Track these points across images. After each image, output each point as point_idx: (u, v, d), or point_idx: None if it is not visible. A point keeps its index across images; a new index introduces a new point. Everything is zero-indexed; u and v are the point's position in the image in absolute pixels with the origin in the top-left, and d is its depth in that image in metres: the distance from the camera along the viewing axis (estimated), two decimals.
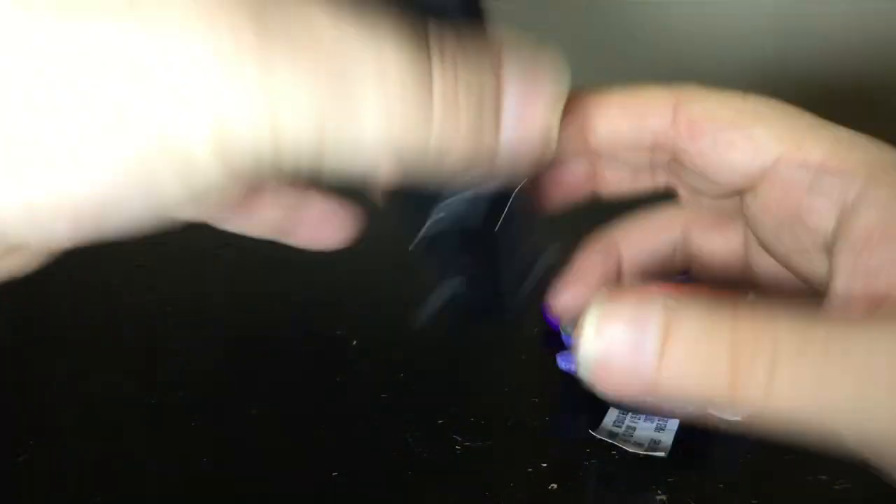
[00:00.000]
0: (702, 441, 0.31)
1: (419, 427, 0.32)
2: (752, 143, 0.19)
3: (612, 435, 0.31)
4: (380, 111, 0.15)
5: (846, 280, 0.18)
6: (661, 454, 0.30)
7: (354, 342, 0.40)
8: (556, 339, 0.37)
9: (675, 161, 0.20)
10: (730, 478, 0.29)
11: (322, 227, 0.23)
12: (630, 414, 0.32)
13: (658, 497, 0.28)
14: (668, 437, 0.31)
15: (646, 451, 0.30)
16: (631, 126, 0.20)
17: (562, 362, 0.35)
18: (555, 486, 0.29)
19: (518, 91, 0.17)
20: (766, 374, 0.15)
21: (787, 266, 0.20)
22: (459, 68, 0.15)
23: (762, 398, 0.15)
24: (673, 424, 0.31)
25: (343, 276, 0.49)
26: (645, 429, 0.31)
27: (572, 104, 0.20)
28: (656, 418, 0.32)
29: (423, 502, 0.28)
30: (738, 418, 0.16)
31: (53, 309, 0.44)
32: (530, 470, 0.29)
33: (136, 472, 0.30)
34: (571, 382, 0.34)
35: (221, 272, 0.49)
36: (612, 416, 0.32)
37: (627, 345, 0.16)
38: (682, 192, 0.22)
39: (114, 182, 0.14)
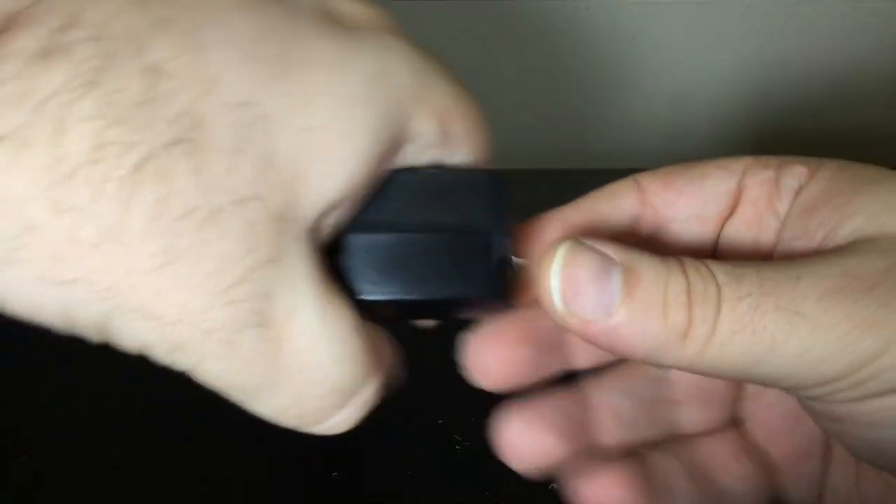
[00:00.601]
0: None
1: (419, 427, 0.32)
2: (720, 169, 0.21)
3: None
4: None
5: (788, 242, 0.20)
6: None
7: None
8: None
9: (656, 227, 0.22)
10: None
11: None
12: None
13: None
14: None
15: None
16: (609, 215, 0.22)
17: None
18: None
19: None
20: (712, 316, 0.16)
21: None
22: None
23: (706, 337, 0.16)
24: None
25: None
26: None
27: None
28: None
29: (423, 502, 0.28)
30: (679, 364, 0.17)
31: None
32: None
33: (136, 473, 0.30)
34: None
35: None
36: None
37: (593, 284, 0.17)
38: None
39: None
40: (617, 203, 0.21)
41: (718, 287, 0.16)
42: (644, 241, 0.21)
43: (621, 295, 0.16)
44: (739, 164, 0.21)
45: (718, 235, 0.21)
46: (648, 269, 0.17)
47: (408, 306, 0.19)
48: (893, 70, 0.72)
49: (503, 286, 0.19)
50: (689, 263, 0.17)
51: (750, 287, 0.16)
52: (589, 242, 0.17)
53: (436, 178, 0.19)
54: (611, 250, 0.17)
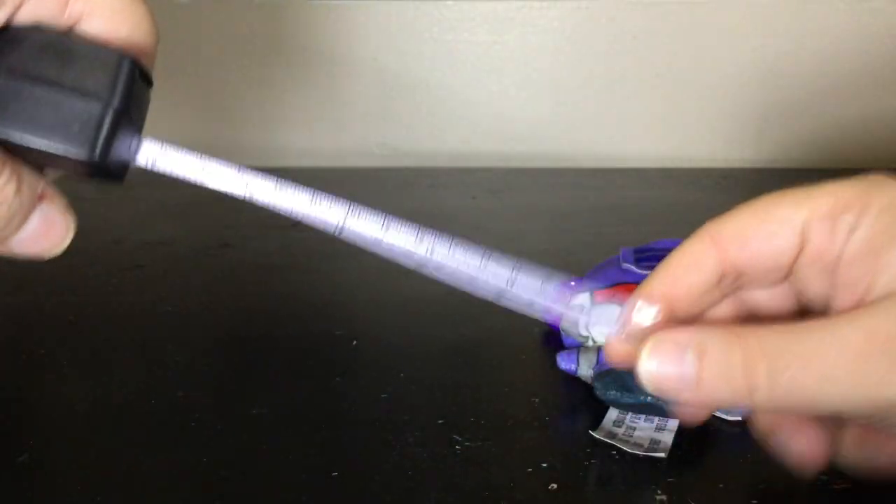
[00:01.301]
0: (702, 441, 0.31)
1: (419, 427, 0.32)
2: (781, 223, 0.23)
3: (612, 435, 0.31)
4: None
5: (838, 296, 0.23)
6: (661, 454, 0.30)
7: (354, 342, 0.40)
8: (556, 339, 0.37)
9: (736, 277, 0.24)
10: (730, 478, 0.29)
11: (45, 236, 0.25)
12: (630, 414, 0.32)
13: (658, 497, 0.28)
14: (668, 438, 0.31)
15: (645, 451, 0.30)
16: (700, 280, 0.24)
17: (562, 362, 0.35)
18: (555, 486, 0.29)
19: None
20: (767, 377, 0.21)
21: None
22: None
23: (768, 394, 0.21)
24: (673, 424, 0.31)
25: (343, 276, 0.49)
26: (644, 429, 0.31)
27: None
28: (656, 418, 0.32)
29: (423, 502, 0.28)
30: (754, 411, 0.24)
31: (54, 309, 0.44)
32: (530, 470, 0.29)
33: (136, 473, 0.30)
34: (571, 382, 0.35)
35: (221, 272, 0.49)
36: (611, 415, 0.32)
37: (673, 367, 0.22)
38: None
39: None
40: (699, 268, 0.24)
41: (769, 363, 0.21)
42: (729, 291, 0.25)
43: (693, 370, 0.22)
44: (803, 207, 0.23)
45: (791, 272, 0.24)
46: (715, 347, 0.22)
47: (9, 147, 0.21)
48: (893, 70, 0.72)
49: (101, 153, 0.22)
50: (747, 335, 0.22)
51: (790, 360, 0.21)
52: (667, 336, 0.22)
53: (62, 42, 0.21)
54: (684, 336, 0.22)
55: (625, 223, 0.58)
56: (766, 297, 0.26)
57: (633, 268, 0.36)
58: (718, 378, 0.22)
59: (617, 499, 0.28)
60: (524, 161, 0.75)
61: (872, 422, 0.22)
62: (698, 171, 0.72)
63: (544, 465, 0.30)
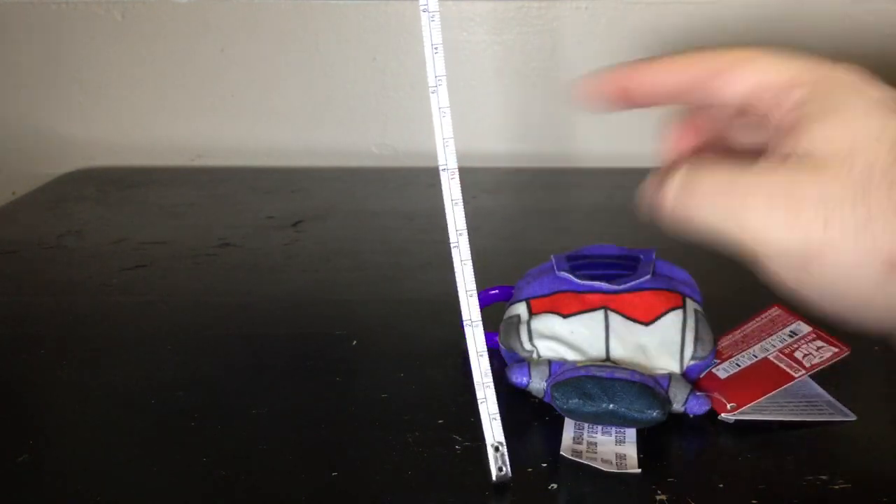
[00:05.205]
0: (702, 441, 0.31)
1: (419, 427, 0.32)
2: (741, 78, 0.28)
3: (577, 453, 0.30)
4: None
5: (775, 142, 0.27)
6: (634, 470, 0.29)
7: (354, 342, 0.40)
8: (499, 356, 0.36)
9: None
10: (730, 478, 0.29)
11: None
12: (586, 427, 0.31)
13: (658, 497, 0.28)
14: (631, 451, 0.30)
15: (617, 469, 0.29)
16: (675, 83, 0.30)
17: (513, 376, 0.33)
18: (555, 486, 0.29)
19: None
20: (677, 190, 0.27)
21: None
22: None
23: (671, 204, 0.27)
24: (631, 435, 0.31)
25: (343, 276, 0.49)
26: (605, 443, 0.30)
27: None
28: (613, 430, 0.31)
29: (423, 502, 0.28)
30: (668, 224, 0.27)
31: (54, 309, 0.44)
32: (530, 470, 0.29)
33: (136, 473, 0.30)
34: (536, 402, 0.34)
35: (221, 272, 0.49)
36: (568, 433, 0.31)
37: (668, 187, 0.27)
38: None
39: None
40: (672, 72, 0.30)
41: (683, 180, 0.27)
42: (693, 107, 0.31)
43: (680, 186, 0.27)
44: (770, 73, 0.28)
45: (742, 112, 0.29)
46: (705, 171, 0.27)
47: None
48: (893, 70, 0.72)
49: None
50: (684, 164, 0.27)
51: (701, 182, 0.27)
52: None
53: None
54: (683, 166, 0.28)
55: (625, 223, 0.58)
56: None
57: (569, 276, 0.35)
58: (653, 190, 0.28)
59: (617, 499, 0.28)
60: (524, 161, 0.75)
61: (740, 247, 0.26)
62: None
63: (544, 465, 0.30)
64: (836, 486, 0.28)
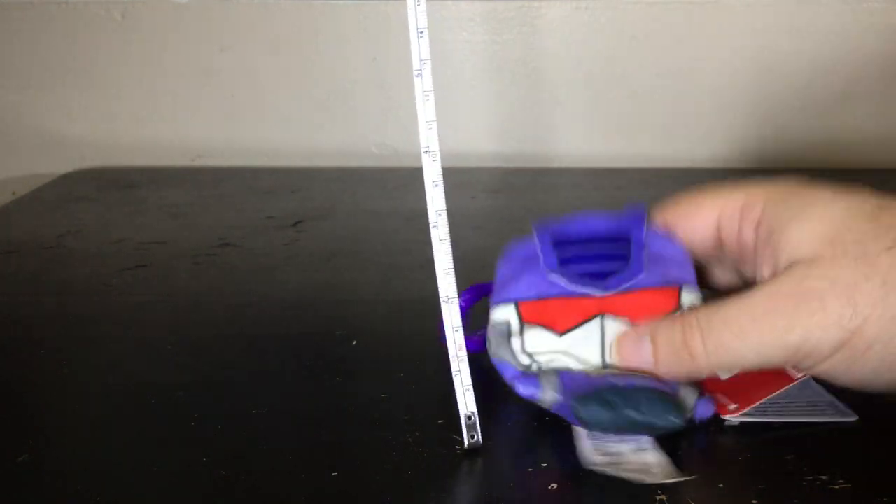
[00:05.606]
0: (701, 441, 0.31)
1: (419, 427, 0.32)
2: (700, 211, 0.32)
3: (608, 464, 0.29)
4: None
5: (762, 274, 0.30)
6: (681, 478, 0.28)
7: (354, 342, 0.40)
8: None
9: None
10: (730, 478, 0.29)
11: None
12: (601, 438, 0.30)
13: (658, 497, 0.28)
14: (653, 457, 0.30)
15: (657, 478, 0.28)
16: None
17: (521, 388, 0.32)
18: (555, 486, 0.29)
19: None
20: (702, 345, 0.28)
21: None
22: None
23: (706, 359, 0.28)
24: (646, 442, 0.30)
25: (343, 276, 0.49)
26: (625, 453, 0.30)
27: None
28: (629, 439, 0.30)
29: (423, 502, 0.28)
30: (704, 376, 0.30)
31: (54, 308, 0.44)
32: (530, 470, 0.29)
33: (136, 473, 0.30)
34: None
35: (221, 272, 0.49)
36: (586, 445, 0.30)
37: (636, 349, 0.30)
38: None
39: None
40: None
41: (702, 334, 0.28)
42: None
43: (650, 353, 0.30)
44: (717, 206, 0.32)
45: (718, 253, 0.33)
46: (662, 333, 0.29)
47: None
48: (893, 70, 0.72)
49: None
50: (686, 316, 0.29)
51: (720, 328, 0.28)
52: (629, 332, 0.31)
53: None
54: (642, 328, 0.30)
55: None
56: (720, 280, 0.34)
57: (560, 281, 0.32)
58: (669, 354, 0.29)
59: (617, 499, 0.28)
60: (524, 161, 0.75)
61: (791, 365, 0.28)
62: (698, 171, 0.72)
63: (544, 465, 0.30)
64: (836, 486, 0.28)
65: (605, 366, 0.32)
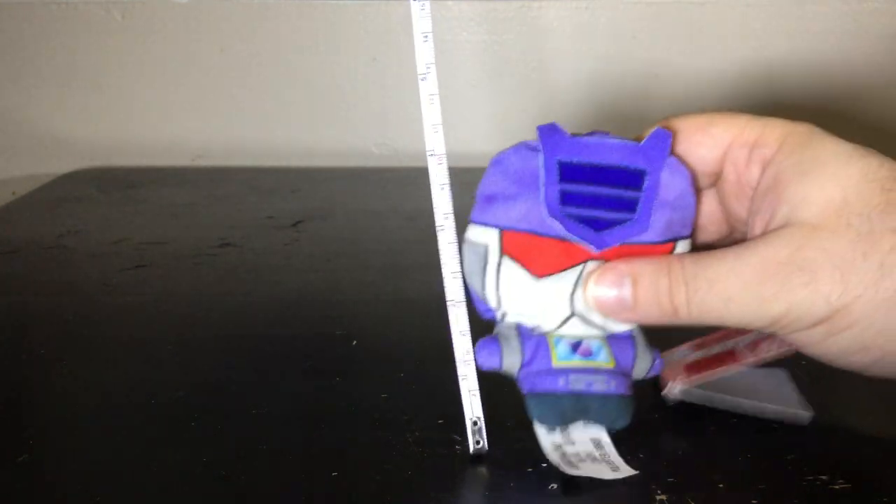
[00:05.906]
0: (701, 441, 0.31)
1: (419, 427, 0.32)
2: (712, 129, 0.29)
3: (571, 465, 0.28)
4: None
5: (753, 223, 0.28)
6: (631, 472, 0.28)
7: (354, 342, 0.40)
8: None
9: None
10: (730, 478, 0.29)
11: None
12: (559, 433, 0.30)
13: (658, 497, 0.28)
14: (610, 451, 0.29)
15: (616, 473, 0.28)
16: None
17: (480, 358, 0.30)
18: (555, 486, 0.29)
19: None
20: (686, 301, 0.27)
21: (745, 222, 0.30)
22: None
23: (687, 315, 0.27)
24: (603, 437, 0.30)
25: (343, 275, 0.49)
26: (585, 456, 0.29)
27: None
28: (589, 441, 0.30)
29: (423, 502, 0.28)
30: (678, 324, 0.27)
31: (53, 308, 0.44)
32: (530, 470, 0.29)
33: (136, 473, 0.30)
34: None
35: (221, 272, 0.49)
36: (546, 444, 0.29)
37: (614, 289, 0.28)
38: None
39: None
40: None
41: (687, 290, 0.27)
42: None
43: (630, 295, 0.28)
44: (731, 131, 0.29)
45: (715, 179, 0.30)
46: (647, 277, 0.27)
47: None
48: (893, 70, 0.72)
49: None
50: (673, 263, 0.27)
51: (701, 284, 0.26)
52: (610, 266, 0.28)
53: None
54: (624, 266, 0.28)
55: None
56: (705, 222, 0.31)
57: (556, 226, 0.28)
58: (650, 300, 0.27)
59: (617, 499, 0.28)
60: None
61: (769, 332, 0.27)
62: None
63: (544, 465, 0.30)
64: (836, 486, 0.28)
65: (571, 314, 0.29)
